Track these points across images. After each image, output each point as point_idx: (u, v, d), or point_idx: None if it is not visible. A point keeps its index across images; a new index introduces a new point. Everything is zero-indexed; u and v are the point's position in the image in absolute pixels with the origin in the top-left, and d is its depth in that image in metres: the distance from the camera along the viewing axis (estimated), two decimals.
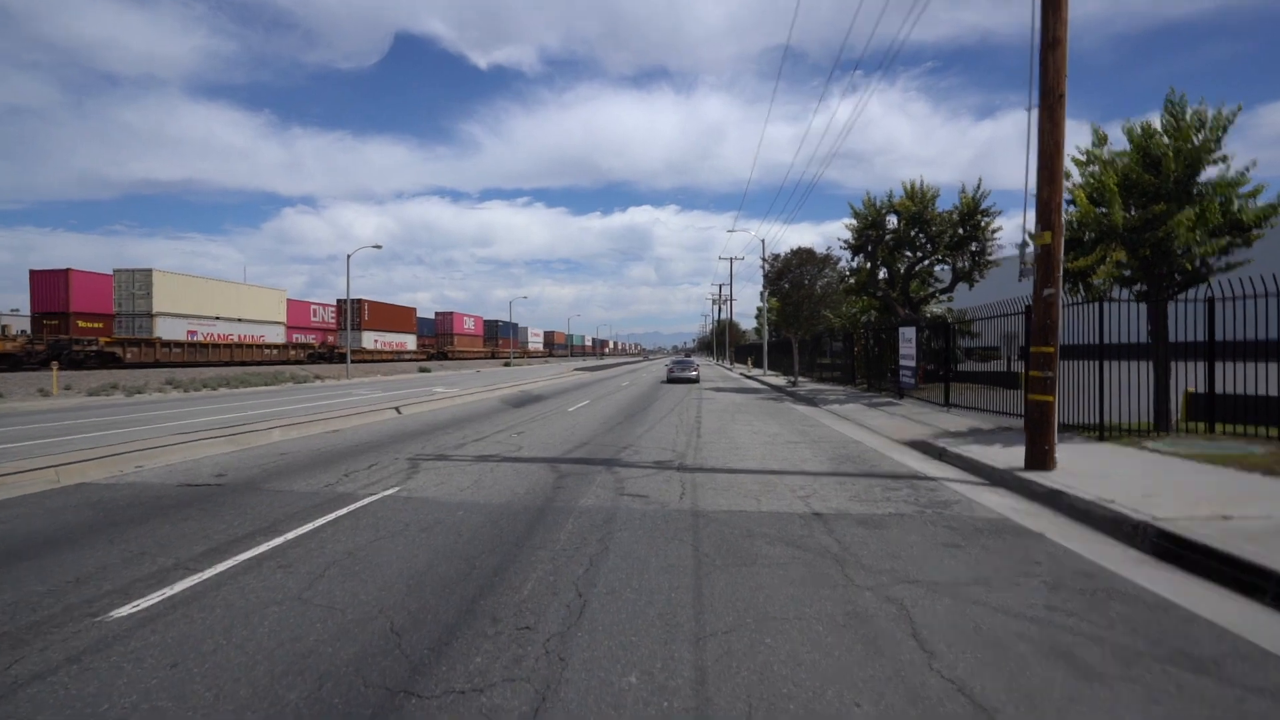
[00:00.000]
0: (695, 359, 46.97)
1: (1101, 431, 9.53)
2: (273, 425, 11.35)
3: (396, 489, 7.05)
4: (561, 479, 7.67)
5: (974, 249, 19.86)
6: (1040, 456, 7.55)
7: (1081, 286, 10.74)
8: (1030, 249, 7.89)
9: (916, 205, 19.36)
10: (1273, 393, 9.53)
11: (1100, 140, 10.47)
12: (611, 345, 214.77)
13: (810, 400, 19.93)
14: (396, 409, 15.41)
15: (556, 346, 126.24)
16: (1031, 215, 7.70)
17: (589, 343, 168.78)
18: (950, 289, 20.65)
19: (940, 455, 9.64)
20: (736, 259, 69.25)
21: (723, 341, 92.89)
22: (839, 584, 4.21)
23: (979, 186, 19.21)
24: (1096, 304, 9.49)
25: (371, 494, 6.79)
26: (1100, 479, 6.99)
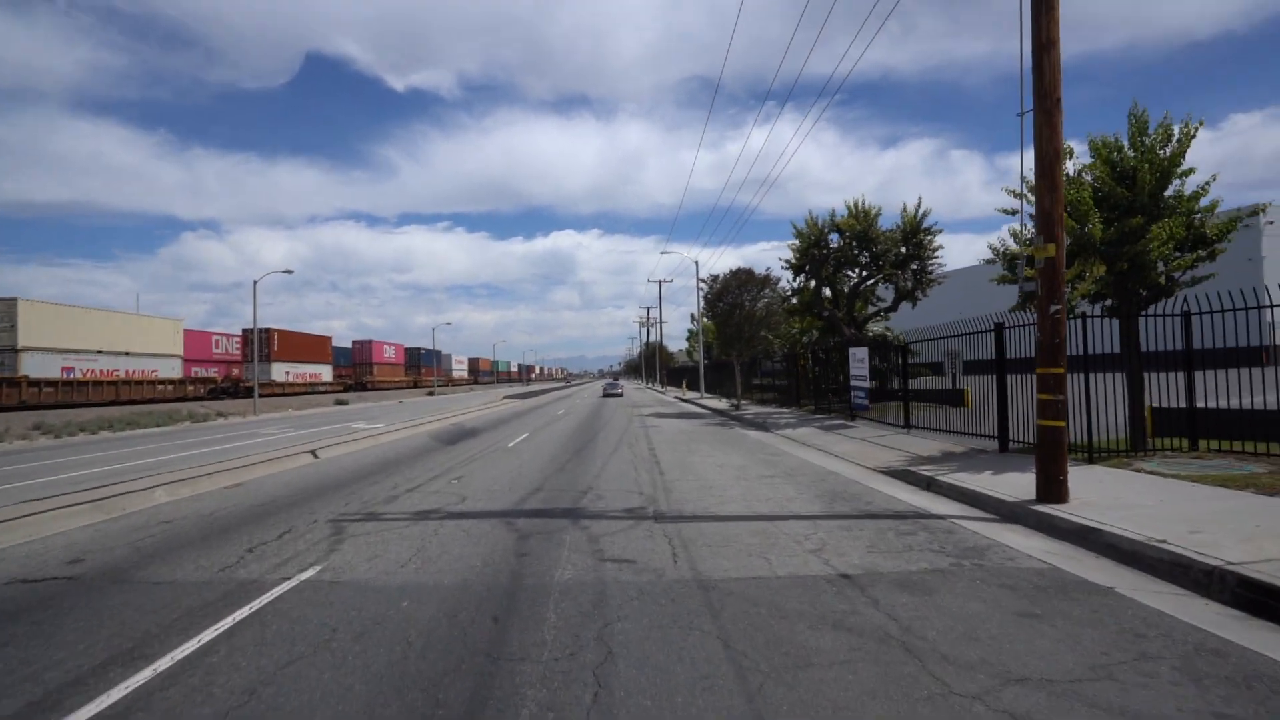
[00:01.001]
0: (621, 382, 67.40)
1: (1091, 453, 9.09)
2: (156, 482, 9.42)
3: (317, 569, 5.56)
4: (524, 540, 6.37)
5: (915, 268, 19.88)
6: (1054, 488, 6.89)
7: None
8: (1020, 263, 7.33)
9: (861, 223, 19.21)
10: (1245, 405, 9.41)
11: (1066, 154, 10.24)
12: (538, 371, 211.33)
13: (760, 425, 19.26)
14: (313, 452, 13.53)
15: (482, 374, 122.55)
16: (1015, 227, 7.14)
17: (514, 369, 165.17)
18: (894, 307, 20.59)
19: (929, 485, 8.94)
20: (666, 281, 69.22)
21: (653, 365, 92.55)
22: (932, 691, 3.19)
23: (919, 205, 19.29)
24: (1080, 320, 9.10)
25: (284, 579, 5.28)
26: (1121, 511, 6.37)
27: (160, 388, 39.23)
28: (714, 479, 10.12)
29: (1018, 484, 7.97)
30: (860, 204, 19.71)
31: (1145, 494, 7.10)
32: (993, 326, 11.33)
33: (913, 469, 9.89)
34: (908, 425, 15.22)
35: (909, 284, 20.35)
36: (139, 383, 37.37)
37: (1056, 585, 4.76)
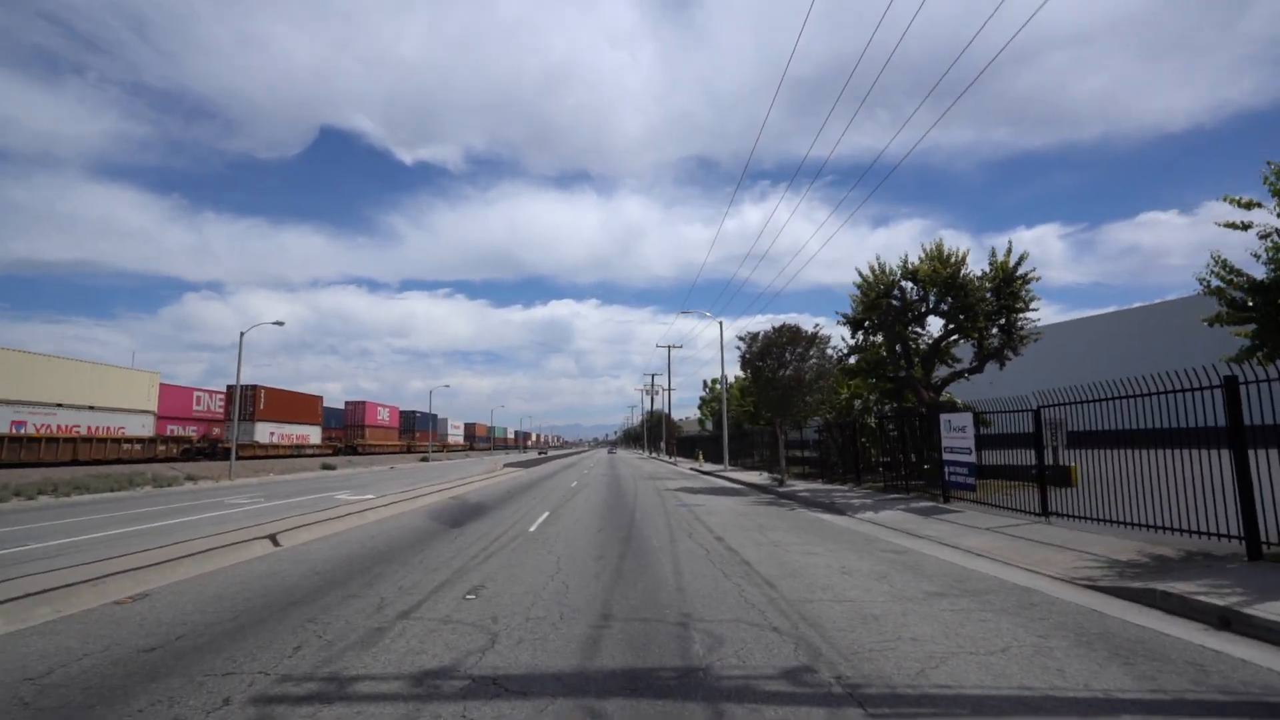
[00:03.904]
0: (619, 450, 76.24)
1: None
2: (21, 592, 5.99)
3: None
4: None
5: (1002, 323, 16.96)
6: None
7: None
8: None
9: (944, 269, 16.39)
10: None
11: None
12: (534, 438, 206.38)
13: (827, 505, 15.84)
14: (272, 538, 10.06)
15: (478, 440, 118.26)
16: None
17: (511, 435, 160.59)
18: (979, 368, 17.52)
19: (1227, 623, 5.61)
20: (675, 347, 66.59)
21: (657, 433, 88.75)
22: None
23: (1009, 250, 16.53)
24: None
25: None
26: None
27: (127, 447, 35.48)
28: (852, 594, 6.80)
29: None
30: (939, 248, 16.97)
31: None
32: (1221, 381, 8.21)
33: (1153, 585, 6.57)
34: (1045, 512, 11.86)
35: (995, 342, 17.38)
36: (102, 441, 33.65)
37: None
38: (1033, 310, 16.41)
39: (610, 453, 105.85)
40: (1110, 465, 10.80)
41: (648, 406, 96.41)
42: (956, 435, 14.41)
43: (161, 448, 38.64)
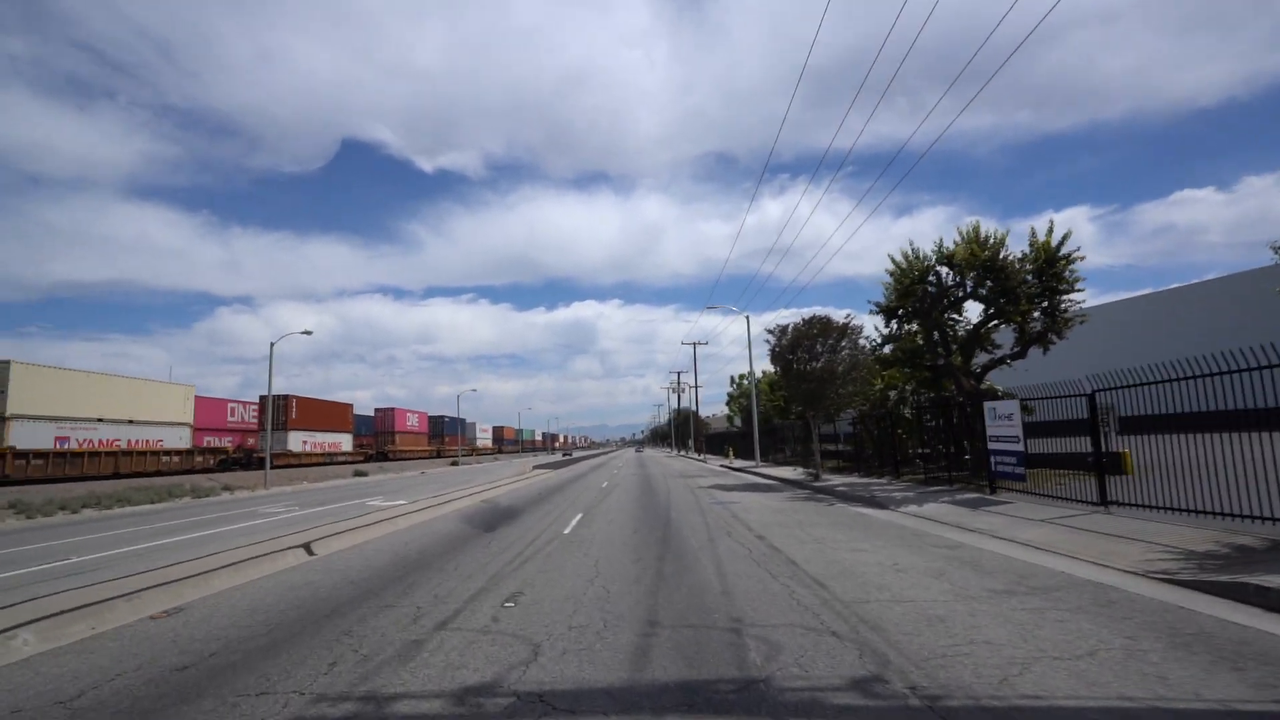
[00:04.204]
0: (646, 449, 73.69)
1: None
2: (36, 614, 5.87)
3: None
4: None
5: (1045, 306, 16.27)
6: None
7: None
8: None
9: (982, 252, 15.76)
10: None
11: None
12: (562, 439, 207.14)
13: (867, 499, 15.34)
14: (306, 546, 9.94)
15: (506, 442, 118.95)
16: None
17: (539, 437, 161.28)
18: (1022, 354, 16.84)
19: None
20: (701, 344, 66.09)
21: (684, 431, 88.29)
22: None
23: (1050, 229, 15.84)
24: None
25: None
26: None
27: (166, 459, 36.16)
28: (910, 593, 6.41)
29: None
30: (976, 230, 16.33)
31: None
32: None
33: (1243, 579, 6.05)
34: (1104, 501, 11.26)
35: (1038, 326, 16.69)
36: (142, 454, 34.33)
37: None
38: (1078, 291, 15.71)
39: (638, 451, 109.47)
40: (1166, 451, 10.23)
41: (674, 404, 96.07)
42: (1003, 423, 13.83)
43: (199, 459, 39.33)
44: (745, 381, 57.14)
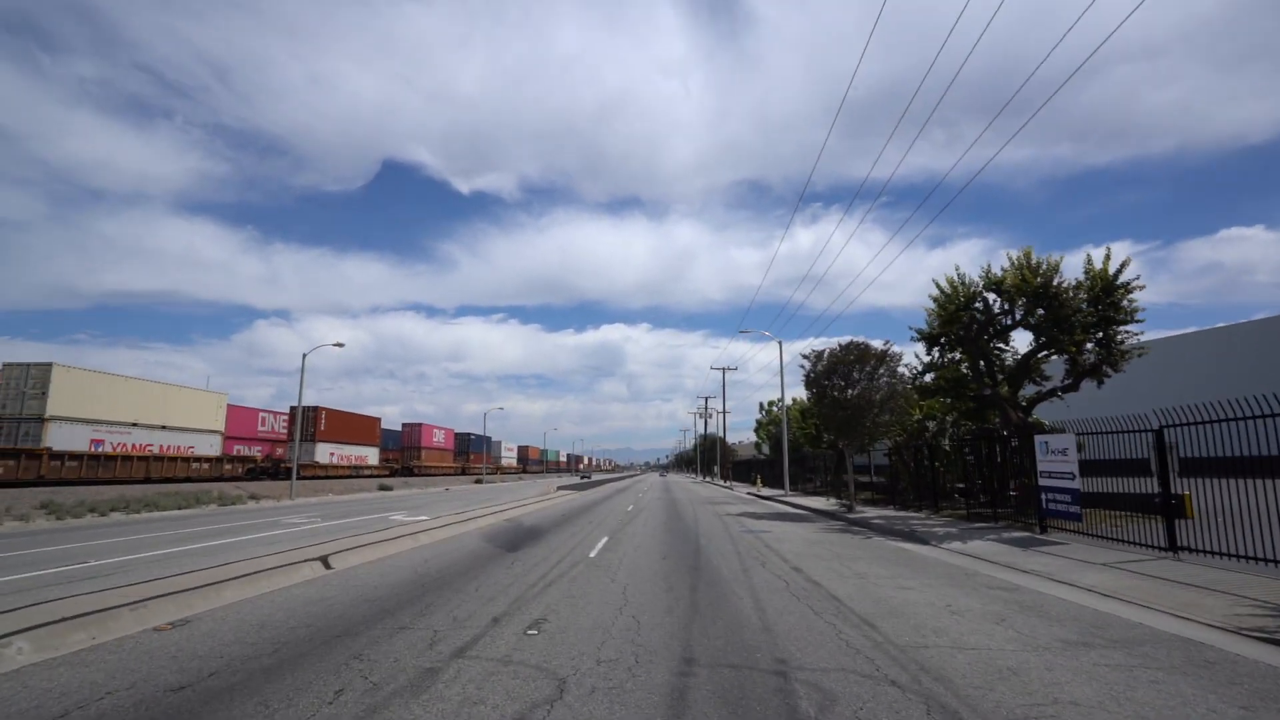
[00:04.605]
0: (670, 474, 68.53)
1: None
2: (36, 620, 5.57)
3: None
4: None
5: (1100, 337, 15.44)
6: None
7: None
8: None
9: (1033, 279, 15.06)
10: None
11: None
12: (586, 461, 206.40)
13: (906, 534, 14.56)
14: (324, 560, 9.60)
15: (531, 462, 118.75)
16: None
17: (563, 458, 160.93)
18: (1074, 386, 15.99)
19: None
20: (730, 370, 65.32)
21: (710, 457, 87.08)
22: None
23: (1108, 256, 15.10)
24: None
25: None
26: None
27: (195, 466, 36.54)
28: (972, 639, 5.79)
29: None
30: (1028, 255, 15.63)
31: None
32: None
33: None
34: (1174, 546, 10.40)
35: (1091, 358, 15.85)
36: (173, 459, 34.72)
37: None
38: (1137, 321, 14.87)
39: (662, 476, 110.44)
40: (1226, 495, 9.44)
41: (700, 430, 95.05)
42: (1056, 459, 13.02)
43: (228, 467, 39.71)
44: (775, 408, 56.15)
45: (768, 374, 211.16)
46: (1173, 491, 12.83)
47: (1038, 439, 13.71)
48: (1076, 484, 12.52)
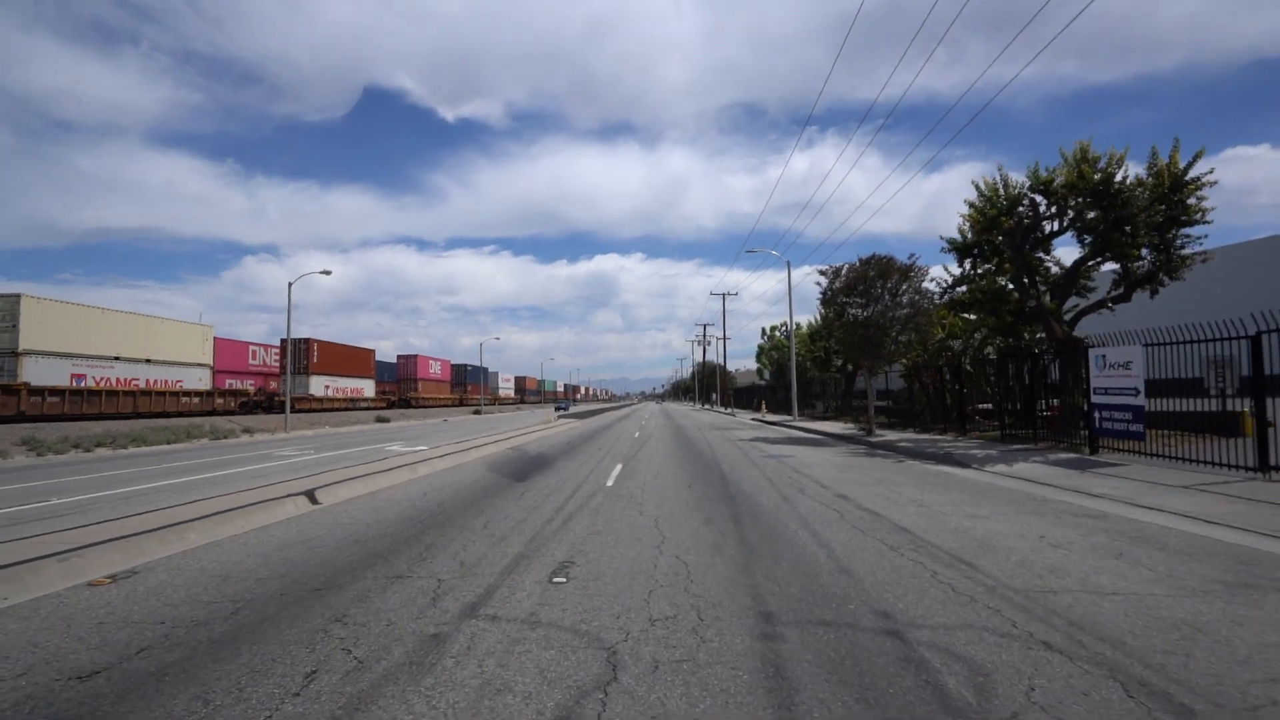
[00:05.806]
0: (668, 403, 74.94)
1: None
2: None
3: None
4: None
5: (1158, 242, 13.98)
6: None
7: None
8: None
9: (1091, 176, 13.44)
10: None
11: None
12: (583, 391, 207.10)
13: (941, 457, 13.54)
14: (309, 495, 8.45)
15: (529, 393, 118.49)
16: None
17: (560, 389, 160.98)
18: (1126, 296, 14.66)
19: None
20: (731, 295, 63.77)
21: (710, 384, 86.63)
22: None
23: (1176, 146, 13.45)
24: None
25: None
26: None
27: (186, 400, 35.40)
28: (1101, 579, 4.70)
29: None
30: (1085, 149, 13.93)
31: None
32: None
33: None
34: (1264, 466, 9.33)
35: (1146, 265, 14.45)
36: (161, 394, 33.53)
37: None
38: (1207, 223, 13.38)
39: (660, 404, 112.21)
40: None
41: (699, 357, 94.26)
42: (1117, 374, 11.83)
43: (219, 401, 38.62)
44: (778, 333, 55.00)
45: (763, 303, 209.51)
46: (1225, 409, 11.76)
47: (1093, 352, 12.49)
48: (1140, 400, 11.38)
